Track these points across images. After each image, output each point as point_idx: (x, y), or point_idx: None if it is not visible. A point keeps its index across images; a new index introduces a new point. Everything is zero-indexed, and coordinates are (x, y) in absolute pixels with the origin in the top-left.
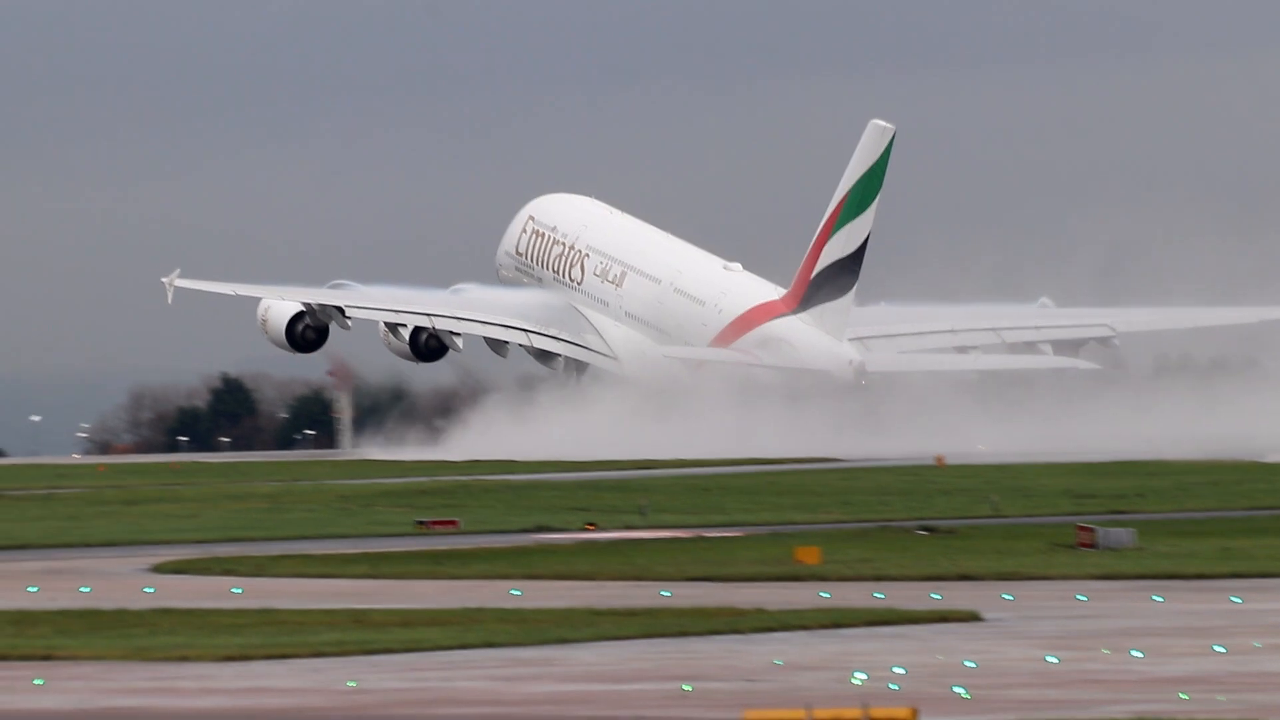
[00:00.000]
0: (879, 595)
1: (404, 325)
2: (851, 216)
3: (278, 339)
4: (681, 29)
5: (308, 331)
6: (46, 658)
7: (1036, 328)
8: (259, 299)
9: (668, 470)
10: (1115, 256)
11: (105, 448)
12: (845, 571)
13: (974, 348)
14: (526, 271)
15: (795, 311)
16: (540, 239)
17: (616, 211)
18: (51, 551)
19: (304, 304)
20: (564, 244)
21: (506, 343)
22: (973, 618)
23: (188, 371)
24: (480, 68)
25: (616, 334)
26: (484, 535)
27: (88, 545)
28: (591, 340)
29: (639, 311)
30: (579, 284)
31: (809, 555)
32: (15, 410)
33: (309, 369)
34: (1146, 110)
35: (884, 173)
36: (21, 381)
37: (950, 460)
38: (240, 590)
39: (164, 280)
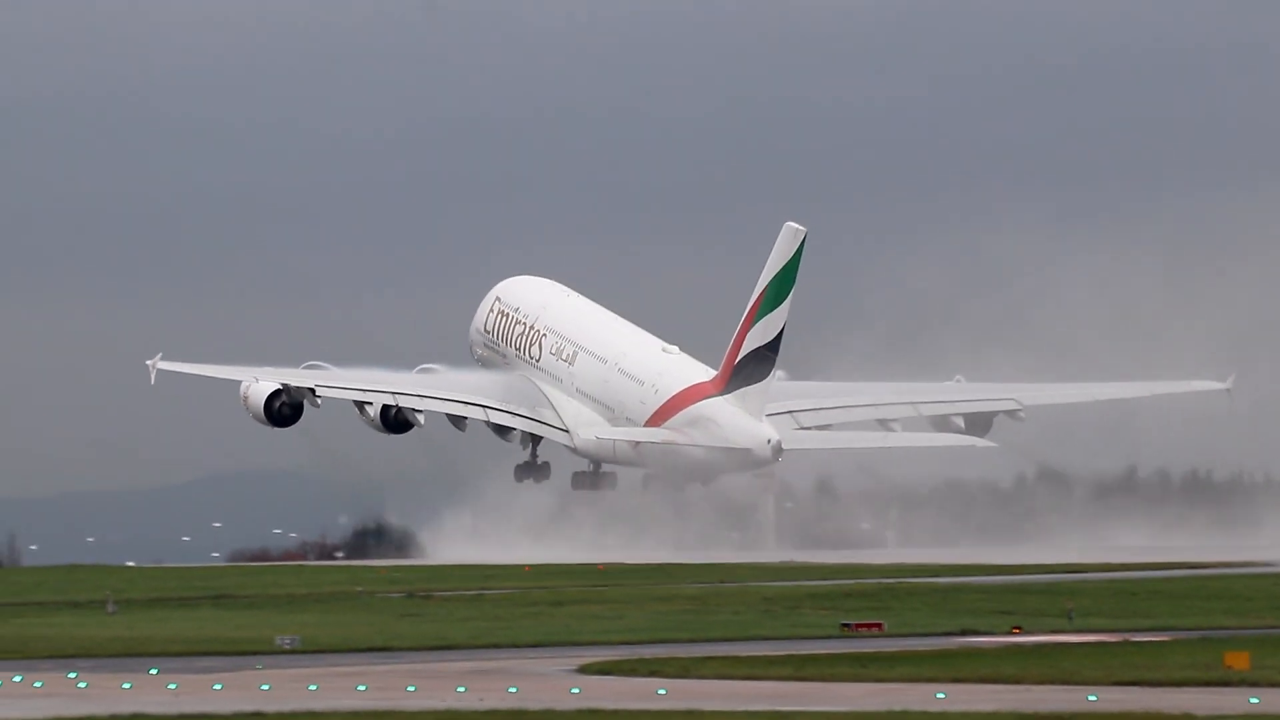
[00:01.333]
0: None
1: (370, 403)
2: (770, 309)
3: (257, 415)
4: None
5: (284, 408)
6: None
7: (951, 402)
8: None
9: (1095, 574)
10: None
11: None
12: (1276, 677)
13: (895, 420)
14: (493, 348)
15: (722, 393)
16: (505, 318)
17: (573, 294)
18: (480, 652)
19: (281, 384)
20: (525, 324)
21: (465, 418)
22: None
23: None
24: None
25: (569, 408)
26: (909, 638)
27: (515, 646)
28: (547, 414)
29: (588, 388)
30: (538, 361)
31: (1238, 660)
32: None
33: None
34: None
35: (797, 269)
36: None
37: None
38: (665, 691)
39: (148, 363)
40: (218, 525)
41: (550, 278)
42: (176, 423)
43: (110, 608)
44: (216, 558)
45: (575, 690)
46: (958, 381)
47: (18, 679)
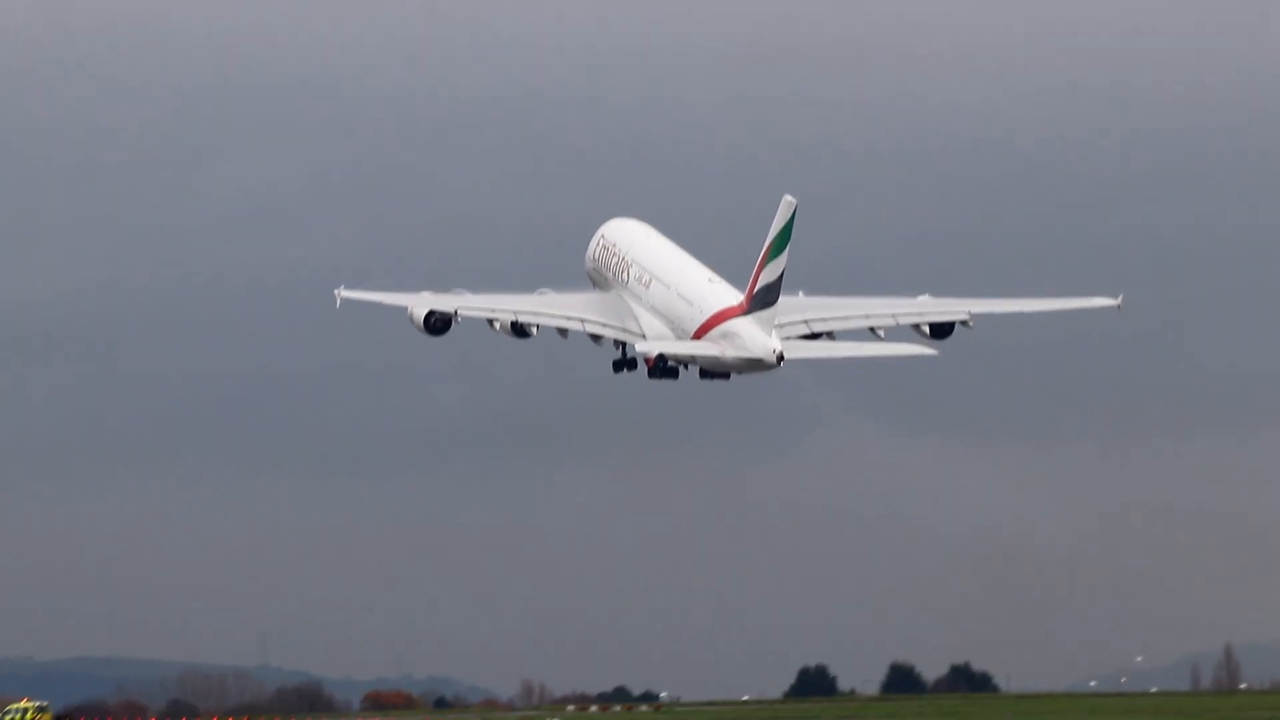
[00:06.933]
0: None
1: (497, 319)
2: (774, 257)
3: (418, 326)
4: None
5: (437, 323)
6: None
7: (920, 314)
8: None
9: None
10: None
11: None
12: None
13: (880, 328)
14: (598, 273)
15: (745, 314)
16: (606, 251)
17: (654, 233)
18: None
19: (432, 308)
20: (619, 256)
21: (567, 329)
22: None
23: None
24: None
25: (646, 320)
26: None
27: None
28: (631, 325)
29: (658, 306)
30: (626, 285)
31: None
32: None
33: None
34: None
35: (791, 230)
36: None
37: None
38: None
39: (335, 292)
40: None
41: (640, 219)
42: None
43: None
44: None
45: None
46: (925, 298)
47: None
